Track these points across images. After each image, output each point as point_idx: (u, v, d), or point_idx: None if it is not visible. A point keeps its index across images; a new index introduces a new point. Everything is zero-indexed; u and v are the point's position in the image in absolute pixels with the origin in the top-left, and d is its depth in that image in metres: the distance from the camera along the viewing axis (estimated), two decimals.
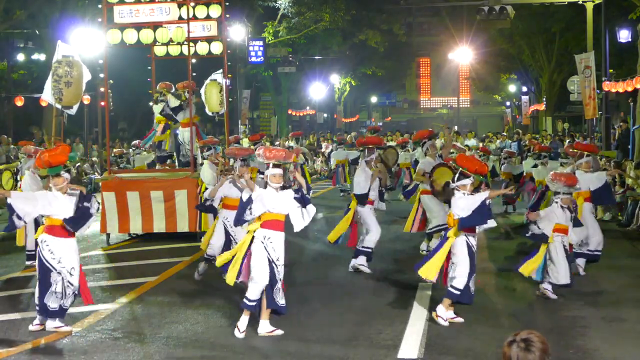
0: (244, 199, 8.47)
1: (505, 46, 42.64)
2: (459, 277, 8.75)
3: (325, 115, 61.83)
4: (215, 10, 16.33)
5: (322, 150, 34.26)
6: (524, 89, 52.45)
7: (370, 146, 12.13)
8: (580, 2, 26.93)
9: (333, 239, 11.73)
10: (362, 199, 11.54)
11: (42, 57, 33.53)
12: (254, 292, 8.30)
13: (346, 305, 9.72)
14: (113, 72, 21.86)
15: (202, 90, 16.71)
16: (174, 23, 15.48)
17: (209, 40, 17.01)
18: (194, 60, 19.36)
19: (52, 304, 8.49)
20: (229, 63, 21.66)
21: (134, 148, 22.67)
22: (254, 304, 8.31)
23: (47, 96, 15.10)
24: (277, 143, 28.25)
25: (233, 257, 8.56)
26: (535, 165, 16.59)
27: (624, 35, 28.08)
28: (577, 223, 10.20)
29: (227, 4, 18.32)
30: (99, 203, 9.51)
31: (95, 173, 26.14)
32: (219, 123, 38.47)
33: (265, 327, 8.36)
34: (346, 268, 11.74)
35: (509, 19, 29.40)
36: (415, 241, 13.80)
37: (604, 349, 7.84)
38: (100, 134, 29.65)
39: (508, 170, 19.08)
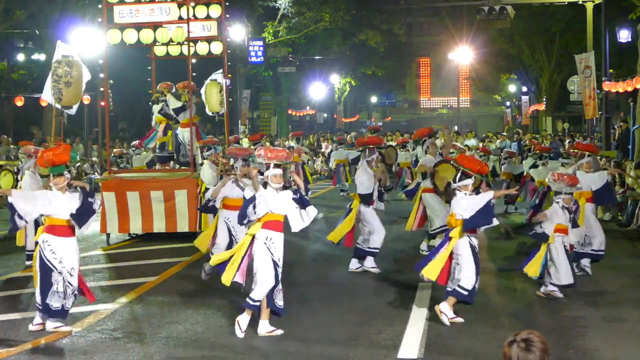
0: (247, 198, 8.46)
1: (505, 46, 42.64)
2: (467, 277, 8.75)
3: (325, 115, 61.84)
4: (215, 10, 16.33)
5: (322, 150, 34.27)
6: (524, 89, 52.46)
7: (371, 146, 12.13)
8: (580, 2, 26.93)
9: (336, 240, 11.67)
10: (367, 199, 11.56)
11: (42, 57, 33.54)
12: (259, 293, 8.28)
13: (346, 305, 9.72)
14: (113, 72, 21.88)
15: (202, 90, 16.72)
16: (174, 23, 15.48)
17: (209, 40, 17.01)
18: (194, 60, 19.38)
19: (55, 303, 8.49)
20: (229, 63, 21.67)
21: (133, 148, 22.66)
22: (257, 304, 8.30)
23: (46, 96, 15.10)
24: (276, 143, 28.24)
25: (230, 257, 8.56)
26: (534, 166, 16.61)
27: (624, 35, 28.08)
28: (575, 224, 10.21)
29: (227, 4, 18.32)
30: (99, 201, 9.54)
31: (95, 173, 26.13)
32: (219, 123, 38.50)
33: (265, 327, 8.36)
34: (346, 268, 11.74)
35: (509, 19, 29.41)
36: (415, 241, 13.80)
37: (604, 349, 7.84)
38: (100, 134, 29.66)
39: (508, 171, 19.09)
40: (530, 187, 16.81)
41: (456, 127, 49.45)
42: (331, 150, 28.92)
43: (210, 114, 17.25)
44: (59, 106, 14.64)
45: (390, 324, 8.73)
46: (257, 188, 8.46)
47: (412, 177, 18.74)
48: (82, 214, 8.67)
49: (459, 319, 8.73)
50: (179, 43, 16.26)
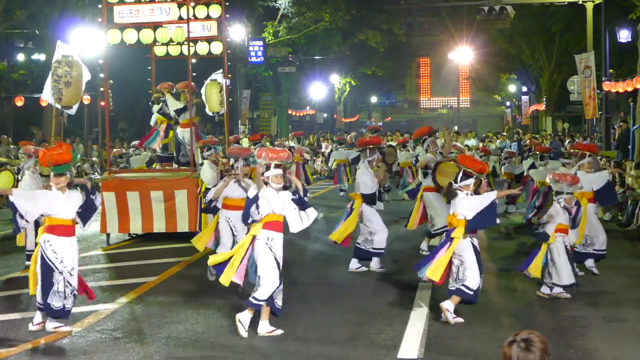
0: (251, 197, 8.45)
1: (505, 46, 42.64)
2: (472, 277, 8.76)
3: (325, 115, 61.83)
4: (215, 10, 16.32)
5: (322, 150, 34.27)
6: (524, 89, 52.46)
7: (372, 146, 12.13)
8: (580, 2, 26.94)
9: (340, 240, 11.65)
10: (371, 199, 11.56)
11: (42, 57, 33.53)
12: (264, 293, 8.26)
13: (346, 305, 9.72)
14: (113, 72, 21.86)
15: (202, 90, 16.70)
16: (174, 23, 15.48)
17: (209, 40, 17.00)
18: (194, 60, 19.37)
19: (56, 303, 8.49)
20: (229, 63, 21.66)
21: (133, 148, 22.66)
22: (261, 304, 8.28)
23: (46, 96, 15.08)
24: (276, 143, 28.24)
25: (229, 258, 8.55)
26: (533, 166, 16.62)
27: (624, 35, 28.08)
28: (574, 224, 10.22)
29: (227, 4, 18.32)
30: (99, 198, 9.60)
31: (95, 173, 26.12)
32: (219, 123, 38.39)
33: (265, 327, 8.35)
34: (346, 268, 11.74)
35: (509, 19, 29.41)
36: (415, 241, 13.80)
37: (604, 349, 7.84)
38: (100, 134, 29.64)
39: (509, 171, 19.09)
40: (531, 187, 16.80)
41: (456, 127, 49.45)
42: (331, 150, 28.93)
43: (210, 114, 17.23)
44: (59, 106, 14.62)
45: (390, 324, 8.73)
46: (260, 187, 8.44)
47: (413, 176, 18.76)
48: (86, 212, 8.77)
49: (459, 319, 8.72)
50: (179, 43, 16.25)
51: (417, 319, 8.88)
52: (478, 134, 42.75)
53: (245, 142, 25.97)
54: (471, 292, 8.75)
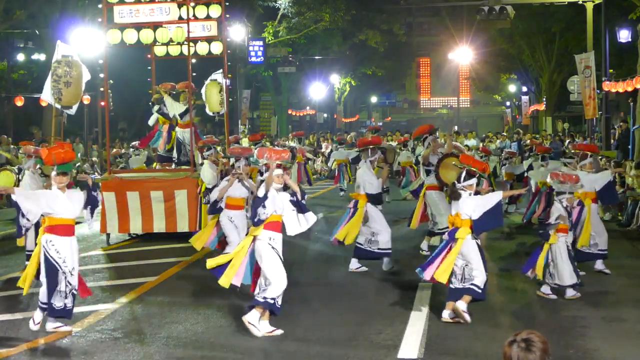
0: (261, 196, 8.44)
1: (505, 46, 42.63)
2: (479, 276, 8.79)
3: (325, 115, 61.82)
4: (215, 10, 16.33)
5: (322, 150, 34.27)
6: (524, 89, 52.45)
7: (372, 146, 12.12)
8: (580, 2, 26.92)
9: (349, 240, 11.60)
10: (376, 199, 11.57)
11: (42, 57, 33.51)
12: (274, 291, 8.23)
13: (346, 305, 9.72)
14: (113, 72, 21.86)
15: (202, 90, 16.71)
16: (174, 23, 15.48)
17: (209, 40, 17.00)
18: (194, 60, 19.36)
19: (58, 302, 8.49)
20: (229, 63, 21.66)
21: (133, 149, 22.66)
22: (272, 302, 8.24)
23: (46, 96, 15.08)
24: (276, 143, 28.25)
25: (229, 260, 8.54)
26: (530, 167, 16.64)
27: (624, 35, 28.07)
28: (574, 225, 10.23)
29: (227, 4, 18.31)
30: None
31: (95, 173, 26.11)
32: (219, 123, 38.44)
33: (265, 327, 8.35)
34: (346, 268, 11.75)
35: (509, 19, 29.39)
36: (415, 241, 13.79)
37: (604, 349, 7.84)
38: (100, 134, 29.64)
39: (510, 171, 19.09)
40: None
41: (456, 127, 49.45)
42: (331, 150, 28.93)
43: (210, 114, 17.24)
44: (58, 106, 14.62)
45: (390, 324, 8.73)
46: (269, 186, 8.42)
47: (415, 175, 18.76)
48: (90, 208, 8.89)
49: (468, 317, 8.72)
50: (179, 43, 16.25)
51: (417, 319, 8.88)
52: (478, 134, 42.71)
53: (245, 142, 25.99)
54: (480, 290, 8.79)
